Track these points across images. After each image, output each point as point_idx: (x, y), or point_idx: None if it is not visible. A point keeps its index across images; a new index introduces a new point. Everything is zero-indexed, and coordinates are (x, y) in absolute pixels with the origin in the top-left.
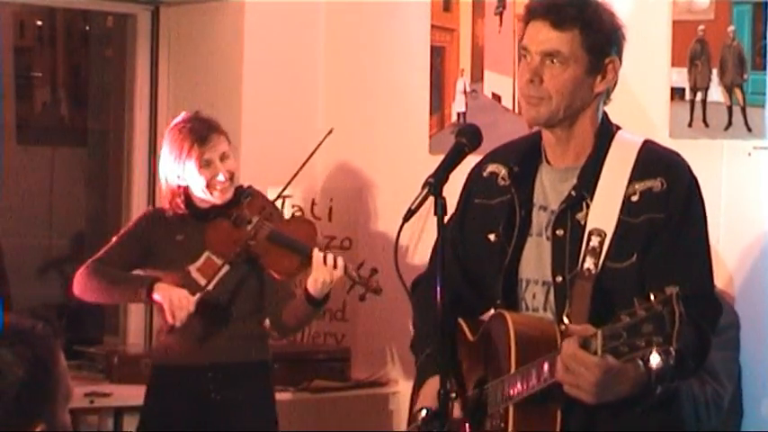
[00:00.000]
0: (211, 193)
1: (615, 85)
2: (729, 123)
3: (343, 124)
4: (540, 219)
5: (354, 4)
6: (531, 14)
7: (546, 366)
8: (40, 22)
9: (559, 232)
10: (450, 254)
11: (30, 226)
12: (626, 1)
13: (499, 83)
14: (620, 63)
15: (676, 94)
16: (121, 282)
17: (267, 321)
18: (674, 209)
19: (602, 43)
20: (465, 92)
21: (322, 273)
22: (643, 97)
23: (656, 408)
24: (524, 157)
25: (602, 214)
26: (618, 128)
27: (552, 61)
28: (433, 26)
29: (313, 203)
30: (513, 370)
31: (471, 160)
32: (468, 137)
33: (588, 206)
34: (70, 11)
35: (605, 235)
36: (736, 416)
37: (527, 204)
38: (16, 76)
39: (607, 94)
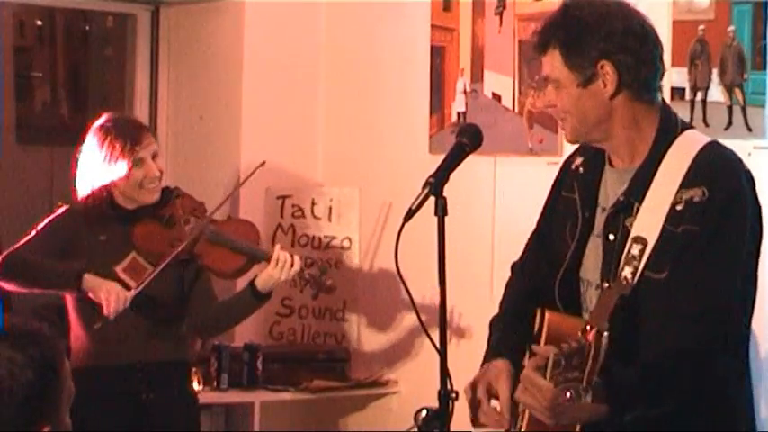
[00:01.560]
0: (142, 193)
1: (642, 76)
2: (729, 123)
3: (343, 124)
4: (600, 220)
5: (354, 3)
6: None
7: None
8: (40, 22)
9: (611, 237)
10: (537, 244)
11: (30, 226)
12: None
13: (499, 83)
14: (625, 59)
15: (676, 93)
16: (46, 270)
17: (186, 326)
18: (709, 221)
19: (585, 55)
20: (465, 91)
21: (278, 271)
22: None
23: (707, 411)
24: (592, 156)
25: (648, 221)
26: (684, 128)
27: (551, 86)
28: (433, 26)
29: (313, 203)
30: None
31: (472, 160)
32: (468, 136)
33: (638, 211)
34: (70, 11)
35: (647, 243)
36: None
37: (591, 204)
38: (16, 75)
39: (635, 91)
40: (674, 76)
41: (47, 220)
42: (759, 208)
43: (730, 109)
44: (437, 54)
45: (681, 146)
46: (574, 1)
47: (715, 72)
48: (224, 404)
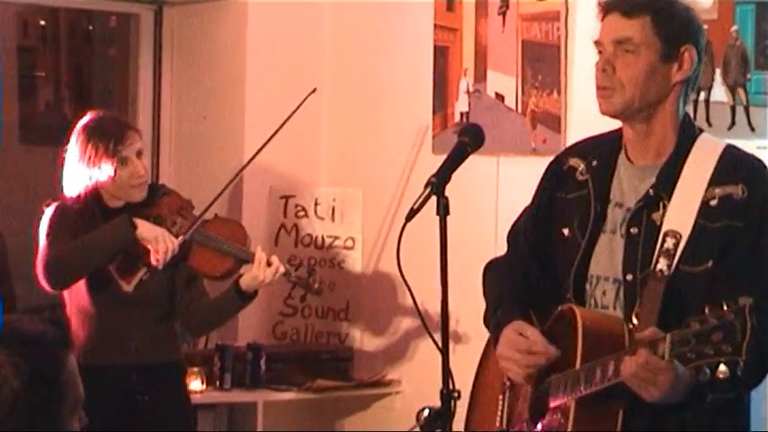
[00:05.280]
0: (128, 192)
1: (696, 81)
2: (732, 123)
3: (346, 124)
4: (615, 216)
5: (358, 3)
6: (602, 10)
7: (611, 366)
8: (43, 22)
9: (633, 231)
10: (524, 246)
11: (33, 226)
12: None
13: (502, 82)
14: (700, 56)
15: None
16: (94, 238)
17: (177, 324)
18: (753, 218)
19: (675, 31)
20: (468, 91)
21: (262, 272)
22: None
23: (723, 413)
24: (605, 151)
25: (679, 216)
26: (701, 130)
27: (625, 50)
28: (436, 26)
29: (316, 203)
30: (578, 365)
31: (474, 160)
32: (470, 136)
33: (665, 207)
34: (73, 10)
35: (680, 237)
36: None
37: (603, 200)
38: (19, 75)
39: (687, 92)
40: None
41: (47, 223)
42: None
43: (733, 109)
44: (440, 54)
45: (702, 146)
46: None
47: (718, 72)
48: (227, 404)
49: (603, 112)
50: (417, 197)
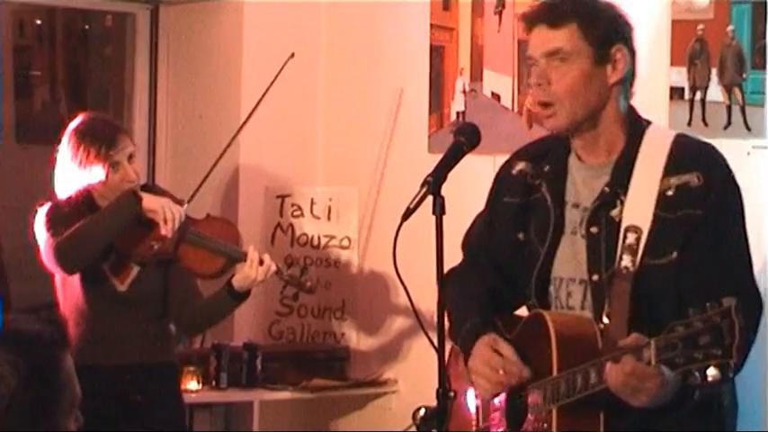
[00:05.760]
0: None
1: (634, 77)
2: (729, 123)
3: (342, 123)
4: (572, 216)
5: (354, 3)
6: (528, 22)
7: (593, 374)
8: (39, 21)
9: (594, 230)
10: (480, 254)
11: (29, 225)
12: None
13: (498, 82)
14: (632, 52)
15: (675, 93)
16: (99, 216)
17: (172, 324)
18: (712, 205)
19: (604, 33)
20: (464, 91)
21: (254, 271)
22: (642, 96)
23: (700, 411)
24: (555, 154)
25: (637, 210)
26: (648, 122)
27: (558, 60)
28: (432, 25)
29: (312, 203)
30: (555, 372)
31: (470, 159)
32: (466, 136)
33: (622, 203)
34: (70, 10)
35: (642, 231)
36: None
37: (559, 202)
38: (15, 74)
39: (627, 88)
40: (673, 76)
41: (44, 219)
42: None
43: (729, 108)
44: (436, 53)
45: (653, 137)
46: None
47: (714, 72)
48: (223, 403)
49: (550, 130)
50: (413, 197)
